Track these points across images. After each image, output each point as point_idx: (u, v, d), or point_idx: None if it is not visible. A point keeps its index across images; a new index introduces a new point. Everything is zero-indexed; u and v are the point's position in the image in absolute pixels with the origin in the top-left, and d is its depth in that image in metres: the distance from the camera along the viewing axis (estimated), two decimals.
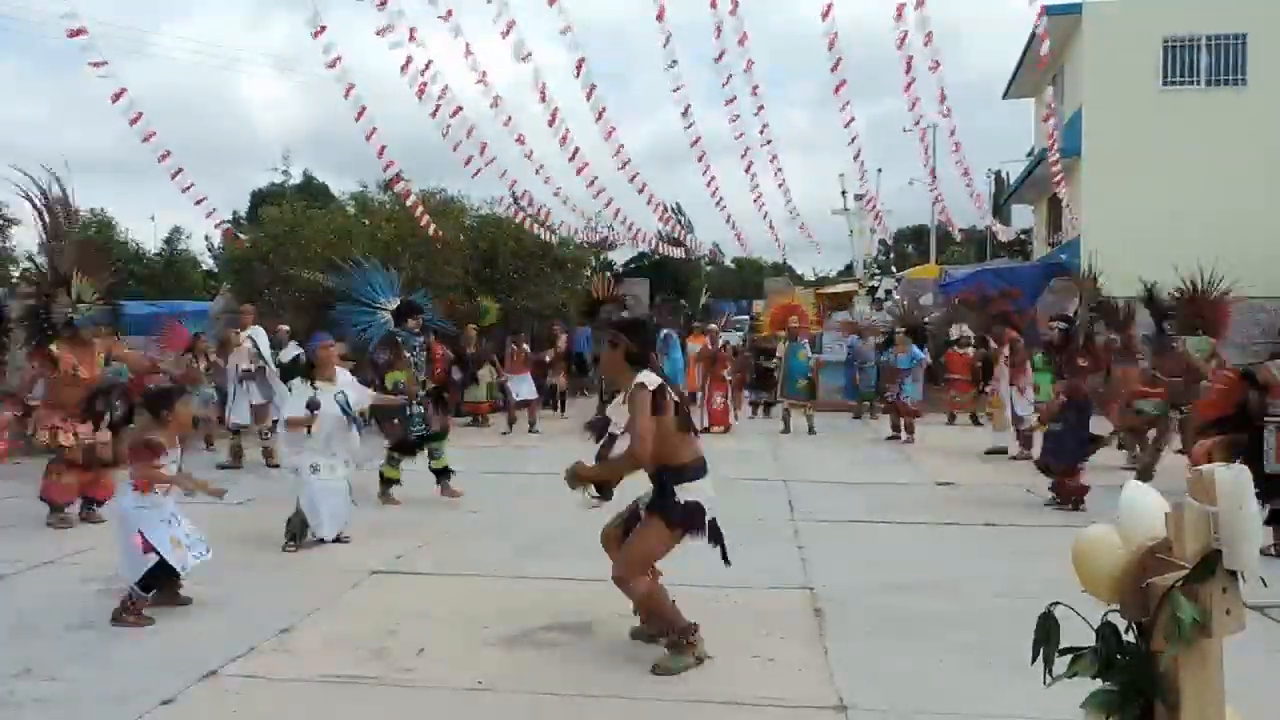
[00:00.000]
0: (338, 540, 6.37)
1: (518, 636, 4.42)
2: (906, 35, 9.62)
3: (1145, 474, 8.26)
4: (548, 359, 15.44)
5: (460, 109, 10.70)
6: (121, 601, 4.64)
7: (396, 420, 7.95)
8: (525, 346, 14.53)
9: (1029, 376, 10.46)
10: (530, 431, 13.48)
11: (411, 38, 9.57)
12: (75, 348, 7.09)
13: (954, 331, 14.70)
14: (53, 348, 7.04)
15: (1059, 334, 8.77)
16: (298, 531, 6.31)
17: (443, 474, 8.21)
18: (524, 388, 14.02)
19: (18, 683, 3.81)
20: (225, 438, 10.39)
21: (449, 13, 9.40)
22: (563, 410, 15.95)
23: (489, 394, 14.38)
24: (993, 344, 11.63)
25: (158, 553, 4.62)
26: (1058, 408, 7.89)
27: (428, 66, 10.07)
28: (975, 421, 14.27)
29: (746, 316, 28.43)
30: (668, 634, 4.11)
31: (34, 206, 7.36)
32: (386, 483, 8.03)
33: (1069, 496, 7.64)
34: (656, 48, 9.86)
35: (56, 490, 7.10)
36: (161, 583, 4.74)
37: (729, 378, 14.04)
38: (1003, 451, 10.88)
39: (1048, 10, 18.28)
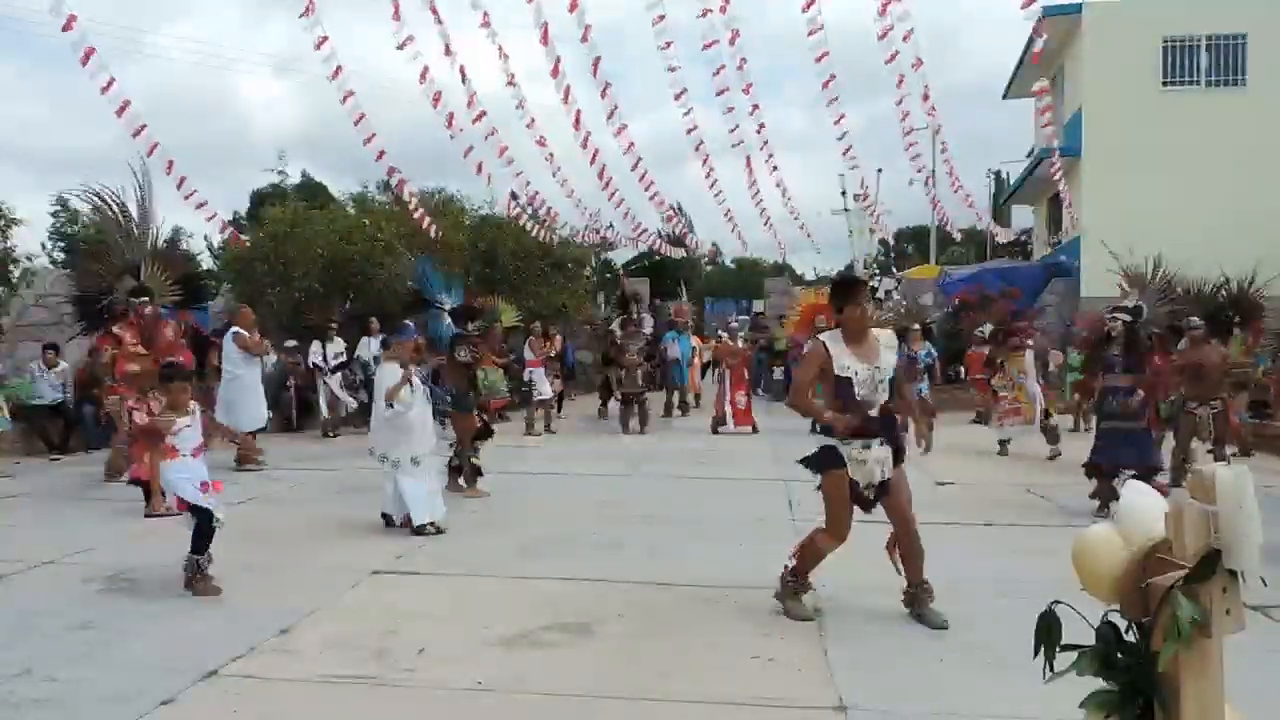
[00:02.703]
0: (424, 530, 6.65)
1: (518, 636, 4.42)
2: (892, 28, 9.51)
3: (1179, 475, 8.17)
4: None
5: (484, 113, 10.75)
6: (187, 571, 5.11)
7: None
8: (546, 341, 14.51)
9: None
10: (547, 431, 13.52)
11: (448, 52, 9.68)
12: (140, 329, 7.44)
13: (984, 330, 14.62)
14: (115, 329, 7.48)
15: (1122, 327, 7.73)
16: (392, 516, 6.81)
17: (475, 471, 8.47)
18: (544, 385, 13.91)
19: (18, 683, 3.81)
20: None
21: (484, 16, 9.48)
22: (559, 410, 15.95)
23: (511, 389, 14.48)
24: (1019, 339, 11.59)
25: (192, 507, 5.16)
26: (1137, 405, 7.42)
27: (458, 66, 10.16)
28: (983, 421, 14.31)
29: (746, 317, 28.42)
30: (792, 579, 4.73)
31: (107, 204, 7.86)
32: (474, 470, 8.33)
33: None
34: (653, 47, 9.86)
35: (142, 469, 7.30)
36: (207, 541, 5.17)
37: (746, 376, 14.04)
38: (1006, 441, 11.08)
39: (1047, 11, 18.29)
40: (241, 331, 9.97)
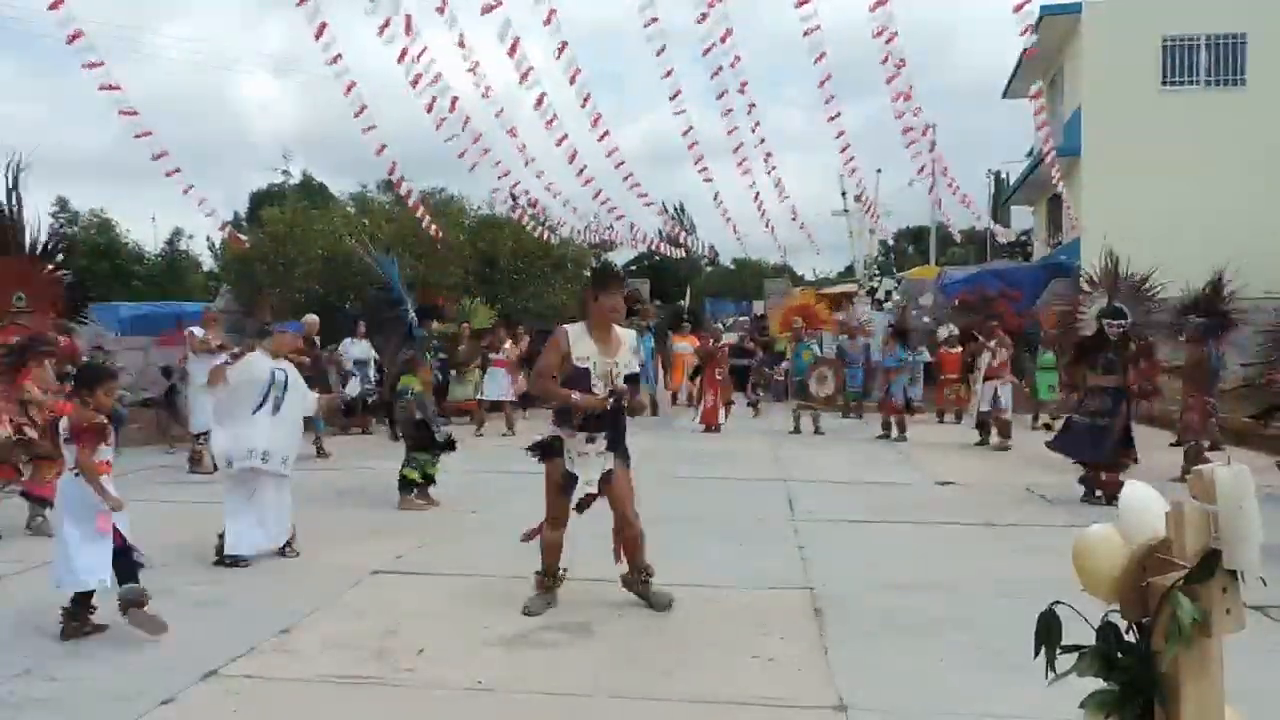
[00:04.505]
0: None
1: (518, 636, 4.42)
2: (887, 34, 9.50)
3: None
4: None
5: (456, 99, 10.76)
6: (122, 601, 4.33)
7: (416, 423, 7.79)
8: (508, 344, 13.91)
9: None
10: (505, 434, 13.06)
11: (408, 30, 9.61)
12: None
13: (942, 332, 14.79)
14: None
15: (1117, 331, 8.01)
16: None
17: (427, 481, 7.87)
18: (496, 387, 13.51)
19: (18, 683, 3.81)
20: (187, 442, 10.16)
21: (444, 2, 9.41)
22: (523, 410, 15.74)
23: (474, 393, 14.10)
24: (983, 339, 11.77)
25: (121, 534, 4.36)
26: (1112, 404, 7.85)
27: (421, 55, 10.12)
28: (957, 419, 14.33)
29: (746, 318, 28.41)
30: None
31: None
32: (407, 485, 7.79)
33: (1108, 490, 7.54)
34: (655, 47, 9.86)
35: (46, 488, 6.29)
36: (87, 603, 4.36)
37: (719, 376, 14.02)
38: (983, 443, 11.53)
39: (1046, 10, 18.27)
40: (194, 331, 9.88)
